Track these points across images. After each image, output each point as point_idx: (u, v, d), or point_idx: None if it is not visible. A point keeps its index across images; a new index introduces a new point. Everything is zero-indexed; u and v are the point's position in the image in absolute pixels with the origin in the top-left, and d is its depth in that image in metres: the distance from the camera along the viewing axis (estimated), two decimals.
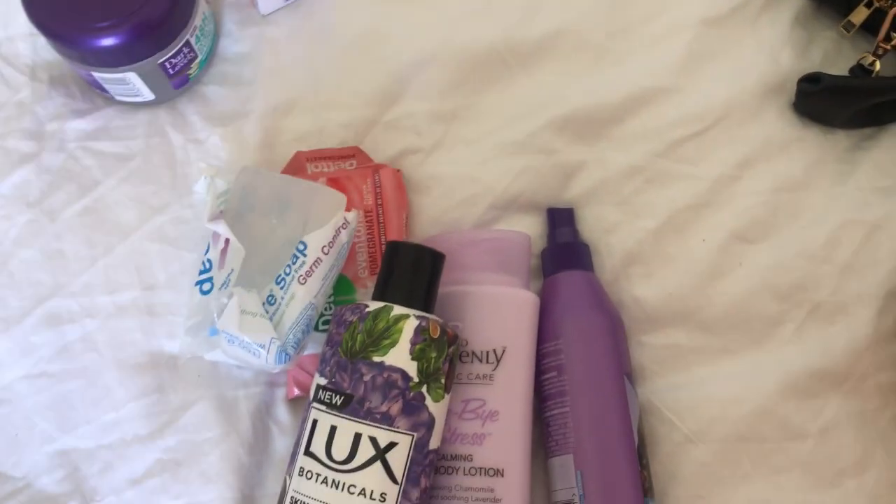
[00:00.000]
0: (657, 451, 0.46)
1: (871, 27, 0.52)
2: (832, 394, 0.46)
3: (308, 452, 0.39)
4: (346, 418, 0.39)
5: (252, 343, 0.42)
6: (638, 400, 0.45)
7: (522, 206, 0.51)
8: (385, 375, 0.39)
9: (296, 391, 0.47)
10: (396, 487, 0.39)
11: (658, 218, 0.50)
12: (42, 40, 0.52)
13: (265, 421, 0.47)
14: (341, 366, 0.40)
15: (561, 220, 0.50)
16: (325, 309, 0.46)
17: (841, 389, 0.46)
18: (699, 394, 0.47)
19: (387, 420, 0.39)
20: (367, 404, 0.39)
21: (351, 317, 0.41)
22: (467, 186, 0.50)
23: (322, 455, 0.39)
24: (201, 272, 0.46)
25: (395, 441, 0.39)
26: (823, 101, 0.51)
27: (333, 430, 0.39)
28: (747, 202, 0.50)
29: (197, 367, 0.46)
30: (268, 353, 0.42)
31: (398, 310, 0.40)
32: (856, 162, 0.51)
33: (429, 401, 0.40)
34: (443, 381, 0.41)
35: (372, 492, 0.38)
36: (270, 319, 0.43)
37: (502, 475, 0.42)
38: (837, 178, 0.51)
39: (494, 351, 0.44)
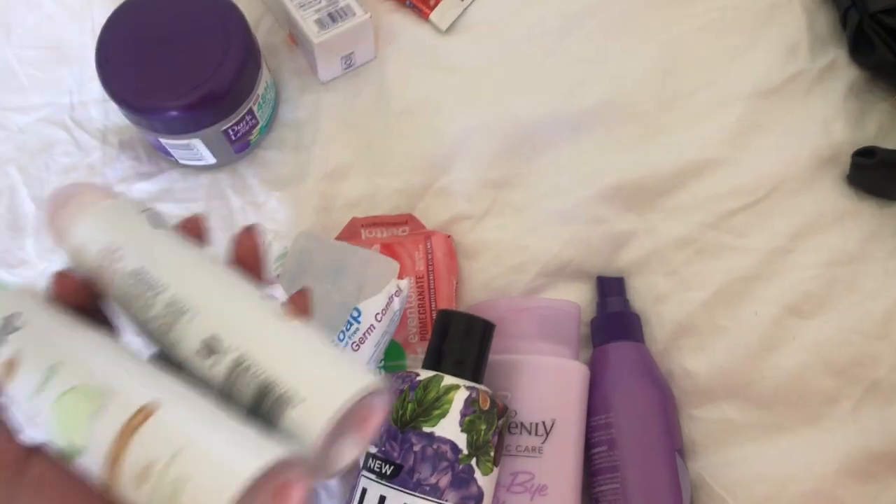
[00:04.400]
0: None
1: None
2: (892, 477, 0.45)
3: None
4: (396, 489, 0.39)
5: None
6: (689, 476, 0.45)
7: (571, 273, 0.51)
8: (435, 446, 0.39)
9: None
10: None
11: (709, 289, 0.49)
12: (113, 105, 0.55)
13: (314, 485, 0.47)
14: (391, 434, 0.40)
15: (611, 290, 0.50)
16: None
17: None
18: (751, 471, 0.46)
19: (436, 492, 0.39)
20: (416, 475, 0.39)
21: (401, 385, 0.41)
22: (516, 253, 0.51)
23: None
24: None
25: None
26: (878, 175, 0.50)
27: (383, 500, 0.39)
28: (800, 276, 0.49)
29: None
30: None
31: (449, 380, 0.41)
32: None
33: (478, 474, 0.40)
34: (492, 453, 0.41)
35: None
36: None
37: None
38: (894, 252, 0.50)
39: (543, 423, 0.44)
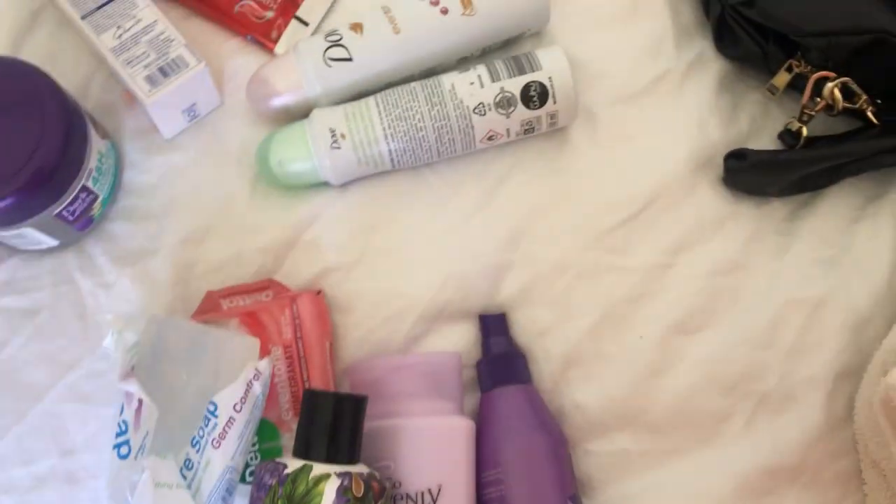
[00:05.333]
0: None
1: (798, 86, 0.50)
2: (788, 490, 0.44)
3: None
4: None
5: None
6: None
7: (452, 315, 0.48)
8: None
9: None
10: None
11: (592, 316, 0.48)
12: None
13: None
14: None
15: (493, 328, 0.48)
16: (251, 458, 0.44)
17: (797, 484, 0.44)
18: (651, 502, 0.45)
19: None
20: None
21: (270, 480, 0.39)
22: (392, 301, 0.48)
23: None
24: (118, 434, 0.43)
25: None
26: (753, 176, 0.49)
27: None
28: (683, 290, 0.48)
29: None
30: None
31: (318, 468, 0.38)
32: (794, 233, 0.49)
33: None
34: None
35: None
36: (189, 487, 0.41)
37: None
38: (776, 253, 0.49)
39: (430, 490, 0.42)
